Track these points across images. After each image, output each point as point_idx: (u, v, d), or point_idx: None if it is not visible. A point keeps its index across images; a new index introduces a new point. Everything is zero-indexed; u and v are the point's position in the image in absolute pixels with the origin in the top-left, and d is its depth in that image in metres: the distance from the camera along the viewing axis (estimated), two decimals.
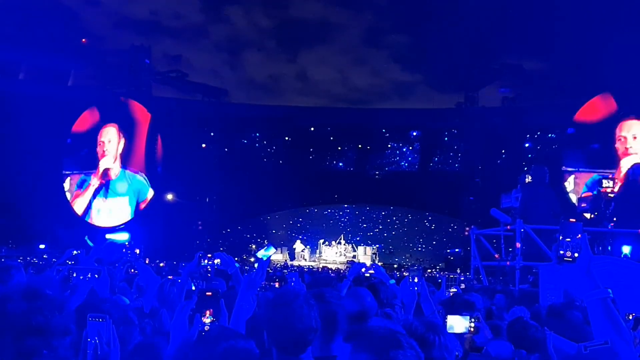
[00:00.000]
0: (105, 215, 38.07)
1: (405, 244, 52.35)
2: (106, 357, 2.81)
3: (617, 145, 29.78)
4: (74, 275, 4.75)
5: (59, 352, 2.30)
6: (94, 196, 38.55)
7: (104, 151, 38.66)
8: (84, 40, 41.80)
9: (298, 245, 44.90)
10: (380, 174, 51.87)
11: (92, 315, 2.83)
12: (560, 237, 2.98)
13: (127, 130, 38.60)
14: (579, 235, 2.96)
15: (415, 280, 5.04)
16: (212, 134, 44.76)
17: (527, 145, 43.67)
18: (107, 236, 30.66)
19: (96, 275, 4.77)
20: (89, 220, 37.95)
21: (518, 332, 4.75)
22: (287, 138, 49.51)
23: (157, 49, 37.38)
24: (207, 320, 3.39)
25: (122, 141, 38.53)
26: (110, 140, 38.79)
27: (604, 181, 12.22)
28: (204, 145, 44.17)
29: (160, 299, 6.12)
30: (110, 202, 38.35)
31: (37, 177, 36.70)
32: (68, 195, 38.96)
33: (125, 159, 38.55)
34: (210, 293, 3.51)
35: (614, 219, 11.59)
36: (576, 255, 2.95)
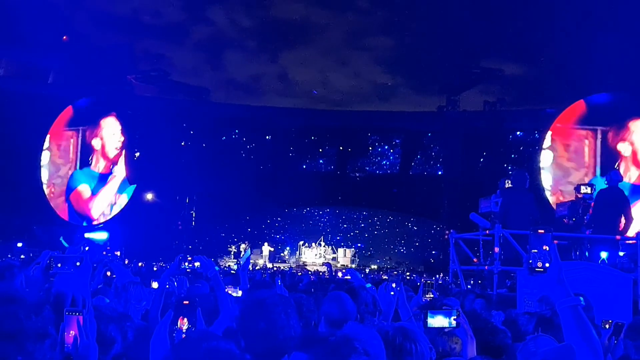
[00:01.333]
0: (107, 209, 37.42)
1: (385, 247, 52.42)
2: (86, 349, 2.81)
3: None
4: (59, 265, 4.71)
5: (35, 356, 2.27)
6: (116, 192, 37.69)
7: (104, 147, 37.56)
8: (65, 37, 41.46)
9: (265, 248, 44.54)
10: (361, 176, 52.00)
11: (69, 309, 2.84)
12: (530, 249, 3.04)
13: (124, 120, 38.01)
14: (546, 247, 3.02)
15: (394, 285, 5.05)
16: (191, 132, 44.57)
17: (508, 149, 43.98)
18: (86, 235, 30.37)
19: (77, 264, 4.72)
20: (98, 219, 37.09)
21: (486, 337, 4.76)
22: (267, 137, 49.51)
23: (138, 48, 37.08)
24: (183, 327, 3.39)
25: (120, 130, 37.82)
26: (114, 132, 37.86)
27: (582, 187, 12.34)
28: (182, 143, 43.96)
29: (124, 300, 6.14)
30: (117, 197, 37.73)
31: (15, 174, 36.36)
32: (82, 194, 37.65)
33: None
34: (187, 302, 3.50)
35: (592, 224, 11.70)
36: (547, 265, 3.01)
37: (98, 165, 38.15)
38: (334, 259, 43.36)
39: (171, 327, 3.37)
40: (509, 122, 42.85)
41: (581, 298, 2.99)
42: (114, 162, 37.76)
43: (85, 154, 38.19)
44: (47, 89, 41.81)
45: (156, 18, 37.45)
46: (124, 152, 37.84)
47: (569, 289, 2.99)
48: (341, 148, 51.74)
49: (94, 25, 43.09)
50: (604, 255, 11.07)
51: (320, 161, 52.36)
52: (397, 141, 51.89)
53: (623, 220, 11.74)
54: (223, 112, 45.71)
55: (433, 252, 47.38)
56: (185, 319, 3.41)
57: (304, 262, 43.06)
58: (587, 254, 11.55)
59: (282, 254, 47.39)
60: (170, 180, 40.34)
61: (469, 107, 44.99)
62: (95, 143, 37.91)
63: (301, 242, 46.43)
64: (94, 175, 37.96)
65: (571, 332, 2.92)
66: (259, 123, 47.34)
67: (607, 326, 5.39)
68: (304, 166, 51.32)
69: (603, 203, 11.80)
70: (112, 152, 37.86)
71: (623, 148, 27.81)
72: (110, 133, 37.75)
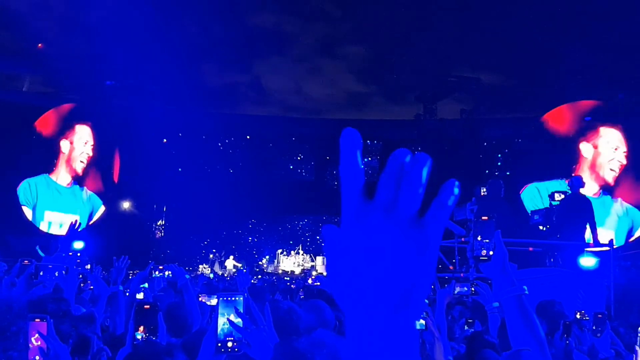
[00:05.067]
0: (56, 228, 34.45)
1: None
2: (57, 353, 2.79)
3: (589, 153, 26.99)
4: (41, 273, 4.67)
5: None
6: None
7: (71, 153, 35.49)
8: (40, 45, 41.07)
9: (229, 262, 44.08)
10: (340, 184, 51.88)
11: (32, 315, 2.80)
12: (476, 237, 2.98)
13: (99, 130, 36.33)
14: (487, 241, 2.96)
15: None
16: (166, 140, 44.24)
17: (483, 157, 44.26)
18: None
19: (64, 272, 4.68)
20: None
21: (476, 350, 4.75)
22: (244, 146, 49.36)
23: (114, 56, 36.79)
24: (139, 336, 3.34)
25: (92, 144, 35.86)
26: (85, 142, 35.79)
27: (556, 195, 12.47)
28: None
29: (108, 311, 6.02)
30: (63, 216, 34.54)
31: None
32: None
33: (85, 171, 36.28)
34: (148, 306, 3.45)
35: (558, 231, 11.82)
36: (491, 253, 2.95)
37: (59, 174, 35.71)
38: (312, 267, 43.33)
39: (131, 334, 3.33)
40: (486, 130, 43.14)
41: (525, 287, 2.92)
42: (76, 177, 35.68)
43: (46, 157, 35.35)
44: (22, 97, 41.38)
45: (128, 26, 36.99)
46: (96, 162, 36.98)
47: (513, 277, 2.94)
48: (319, 156, 51.75)
49: (68, 34, 42.71)
50: (591, 262, 11.03)
51: (299, 169, 52.30)
52: (375, 149, 52.00)
53: (589, 228, 11.85)
54: (198, 120, 45.52)
55: None
56: (142, 326, 3.36)
57: (282, 270, 43.01)
58: (560, 260, 11.64)
59: (260, 262, 47.29)
60: (146, 189, 40.06)
61: (447, 115, 45.27)
62: (64, 146, 35.64)
63: (279, 251, 46.37)
64: (56, 187, 35.44)
65: (514, 322, 2.88)
66: (236, 131, 47.23)
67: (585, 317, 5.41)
68: (282, 174, 51.23)
69: (567, 210, 11.93)
70: (77, 164, 35.75)
71: (584, 148, 26.94)
72: (81, 141, 35.72)
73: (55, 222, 34.62)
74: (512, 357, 2.94)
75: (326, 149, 51.02)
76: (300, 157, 51.71)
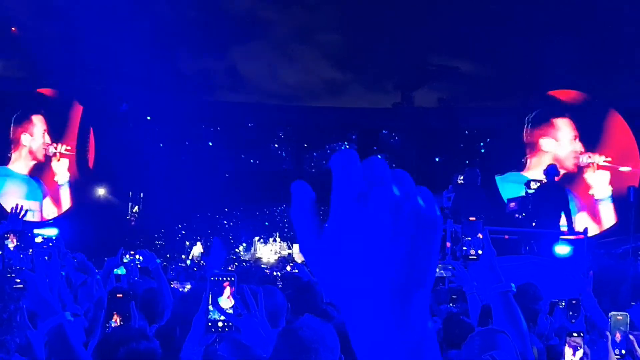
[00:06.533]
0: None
1: None
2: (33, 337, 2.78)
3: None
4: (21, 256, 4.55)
5: None
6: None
7: (33, 146, 35.75)
8: (13, 29, 40.40)
9: (196, 249, 43.71)
10: (318, 172, 51.90)
11: None
12: (463, 236, 3.03)
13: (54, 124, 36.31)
14: (480, 235, 3.02)
15: None
16: (147, 121, 43.79)
17: (462, 145, 44.41)
18: (35, 231, 29.46)
19: (46, 258, 4.59)
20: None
21: (452, 330, 4.79)
22: (221, 135, 49.08)
23: (88, 40, 36.43)
24: (115, 324, 3.30)
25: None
26: (43, 132, 36.11)
27: (532, 183, 12.57)
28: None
29: (81, 298, 5.95)
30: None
31: None
32: None
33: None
34: (120, 295, 3.41)
35: (534, 220, 11.93)
36: (480, 252, 3.01)
37: (19, 164, 35.87)
38: (289, 254, 43.32)
39: (104, 323, 3.29)
40: (464, 119, 43.22)
41: (512, 285, 2.97)
42: (38, 165, 35.85)
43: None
44: None
45: (100, 9, 36.48)
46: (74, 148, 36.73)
47: (500, 275, 3.00)
48: (296, 143, 51.63)
49: (41, 18, 42.13)
50: (565, 250, 11.11)
51: (276, 159, 52.14)
52: (353, 137, 51.98)
53: (564, 217, 11.97)
54: (175, 107, 45.16)
55: None
56: (116, 315, 3.33)
57: (258, 258, 42.96)
58: (535, 248, 11.75)
59: (237, 250, 47.18)
60: (121, 175, 39.71)
61: (425, 103, 45.34)
62: (24, 139, 35.86)
63: (256, 238, 46.28)
64: (21, 177, 35.70)
65: (500, 317, 2.95)
66: (212, 119, 46.89)
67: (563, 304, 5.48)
68: (259, 162, 51.06)
69: (542, 198, 12.04)
70: (40, 152, 36.03)
71: (545, 143, 27.11)
72: (40, 132, 36.01)
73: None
74: (485, 334, 2.97)
75: (303, 136, 50.91)
76: (277, 143, 51.54)
